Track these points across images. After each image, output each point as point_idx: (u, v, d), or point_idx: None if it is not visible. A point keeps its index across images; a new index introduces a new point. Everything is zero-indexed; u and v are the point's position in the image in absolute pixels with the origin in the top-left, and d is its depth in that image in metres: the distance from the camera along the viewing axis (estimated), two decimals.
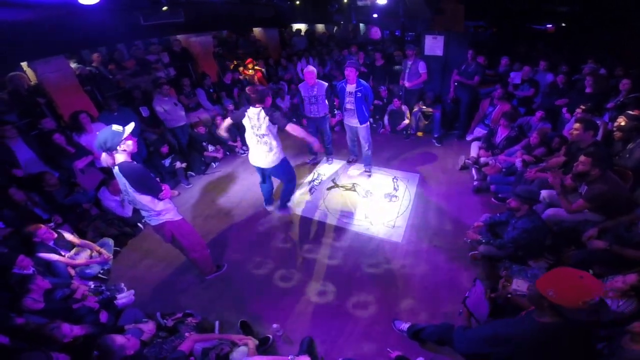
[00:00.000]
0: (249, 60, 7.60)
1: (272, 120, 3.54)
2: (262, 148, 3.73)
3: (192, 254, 3.31)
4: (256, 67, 7.56)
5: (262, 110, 3.53)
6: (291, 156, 5.93)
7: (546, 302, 1.56)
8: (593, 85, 4.51)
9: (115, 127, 2.53)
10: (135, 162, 2.65)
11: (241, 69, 7.64)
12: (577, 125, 3.59)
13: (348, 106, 4.70)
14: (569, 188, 3.43)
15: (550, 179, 3.36)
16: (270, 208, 4.63)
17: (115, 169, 2.60)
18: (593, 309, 1.46)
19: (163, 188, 2.78)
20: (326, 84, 5.03)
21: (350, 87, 4.54)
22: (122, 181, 2.64)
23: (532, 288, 1.66)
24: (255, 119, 3.58)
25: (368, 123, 4.86)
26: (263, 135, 3.63)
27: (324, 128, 5.41)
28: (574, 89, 5.11)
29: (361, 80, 4.55)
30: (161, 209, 2.85)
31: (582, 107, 4.11)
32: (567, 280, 1.54)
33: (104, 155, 2.59)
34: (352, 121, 4.86)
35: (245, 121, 3.66)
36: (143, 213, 2.93)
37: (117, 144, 2.51)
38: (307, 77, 4.88)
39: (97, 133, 2.55)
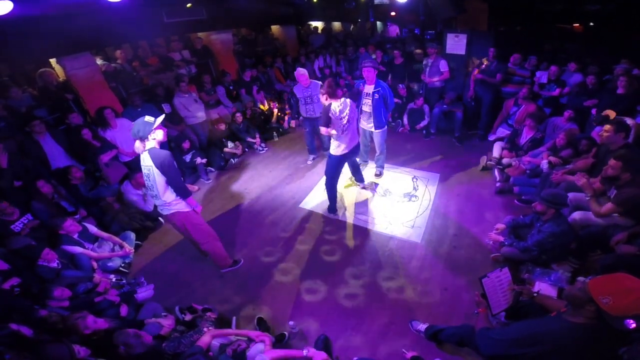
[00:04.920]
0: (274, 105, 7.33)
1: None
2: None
3: (203, 246, 3.42)
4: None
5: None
6: (296, 154, 6.11)
7: (593, 307, 1.50)
8: (626, 85, 4.31)
9: (147, 118, 2.77)
10: (163, 150, 2.86)
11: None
12: (607, 127, 3.44)
13: (365, 108, 4.54)
14: (598, 191, 3.30)
15: (579, 181, 3.24)
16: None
17: (144, 154, 2.81)
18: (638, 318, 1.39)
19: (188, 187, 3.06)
20: (321, 83, 4.96)
21: (368, 88, 4.37)
22: (146, 165, 2.83)
23: (582, 289, 1.57)
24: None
25: (385, 129, 4.66)
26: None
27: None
28: (604, 89, 4.91)
29: (381, 82, 4.36)
30: (172, 200, 2.99)
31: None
32: (631, 291, 1.45)
33: (137, 143, 2.80)
34: (367, 125, 4.70)
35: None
36: (156, 202, 3.06)
37: (149, 132, 2.76)
38: (300, 79, 4.95)
39: (133, 123, 2.81)
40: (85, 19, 4.61)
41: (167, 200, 2.99)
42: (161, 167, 2.79)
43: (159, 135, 2.84)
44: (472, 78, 6.06)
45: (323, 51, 8.57)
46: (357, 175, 4.76)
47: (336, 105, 3.67)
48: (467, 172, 5.22)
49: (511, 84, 5.82)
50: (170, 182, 2.90)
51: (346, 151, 3.92)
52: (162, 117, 2.87)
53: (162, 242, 4.22)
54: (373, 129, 4.63)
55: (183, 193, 3.00)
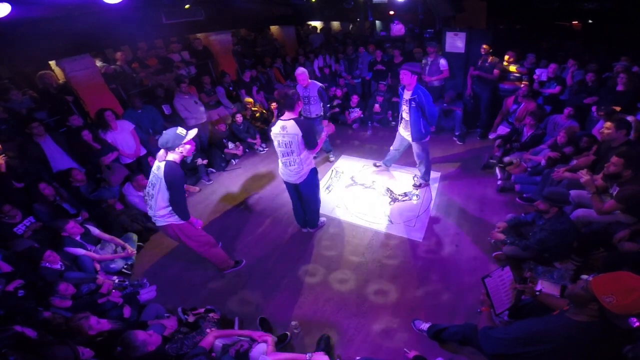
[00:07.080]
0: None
1: (305, 138, 3.18)
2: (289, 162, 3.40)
3: (202, 254, 3.39)
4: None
5: (292, 121, 3.16)
6: None
7: (596, 305, 1.49)
8: (626, 82, 4.31)
9: (180, 130, 2.77)
10: (180, 168, 2.82)
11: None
12: (608, 124, 3.44)
13: (403, 115, 4.25)
14: (600, 188, 3.30)
15: (582, 178, 3.24)
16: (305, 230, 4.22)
17: (159, 164, 2.78)
18: None
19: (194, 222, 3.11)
20: (319, 84, 4.90)
21: (407, 94, 4.01)
22: (157, 174, 2.79)
23: (585, 288, 1.56)
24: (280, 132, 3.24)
25: (424, 141, 4.28)
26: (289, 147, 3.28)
27: (317, 129, 5.20)
28: (604, 86, 4.91)
29: (422, 88, 3.94)
30: (165, 213, 2.95)
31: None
32: (635, 290, 1.44)
33: (161, 151, 2.81)
34: (404, 132, 4.40)
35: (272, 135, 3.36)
36: (150, 212, 3.03)
37: (177, 145, 2.75)
38: (300, 79, 4.84)
39: (164, 132, 2.80)
40: (85, 20, 4.62)
41: (161, 213, 2.94)
42: (170, 184, 2.75)
43: (186, 149, 2.81)
44: (469, 75, 6.06)
45: (322, 51, 8.56)
46: None
47: (276, 126, 3.28)
48: (468, 170, 5.21)
49: (508, 81, 5.82)
50: (173, 201, 2.85)
51: (282, 177, 3.63)
52: (195, 131, 2.87)
53: (164, 243, 4.20)
54: (410, 140, 4.32)
55: (182, 214, 2.95)
